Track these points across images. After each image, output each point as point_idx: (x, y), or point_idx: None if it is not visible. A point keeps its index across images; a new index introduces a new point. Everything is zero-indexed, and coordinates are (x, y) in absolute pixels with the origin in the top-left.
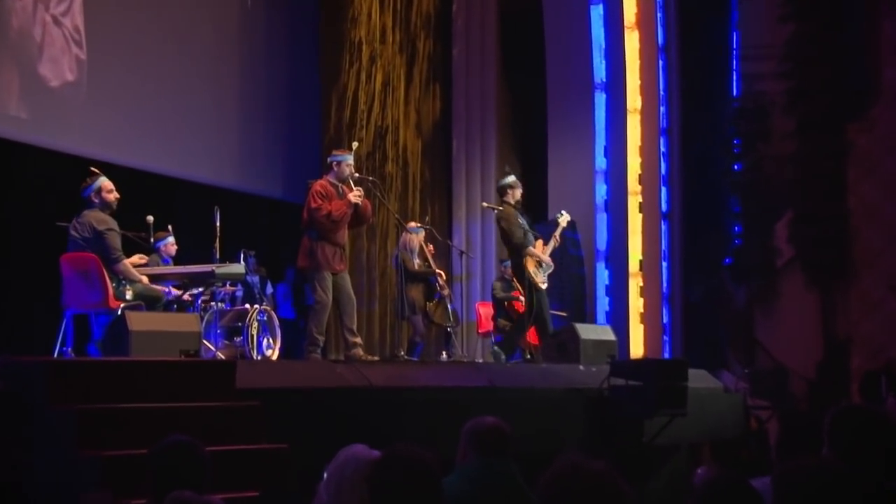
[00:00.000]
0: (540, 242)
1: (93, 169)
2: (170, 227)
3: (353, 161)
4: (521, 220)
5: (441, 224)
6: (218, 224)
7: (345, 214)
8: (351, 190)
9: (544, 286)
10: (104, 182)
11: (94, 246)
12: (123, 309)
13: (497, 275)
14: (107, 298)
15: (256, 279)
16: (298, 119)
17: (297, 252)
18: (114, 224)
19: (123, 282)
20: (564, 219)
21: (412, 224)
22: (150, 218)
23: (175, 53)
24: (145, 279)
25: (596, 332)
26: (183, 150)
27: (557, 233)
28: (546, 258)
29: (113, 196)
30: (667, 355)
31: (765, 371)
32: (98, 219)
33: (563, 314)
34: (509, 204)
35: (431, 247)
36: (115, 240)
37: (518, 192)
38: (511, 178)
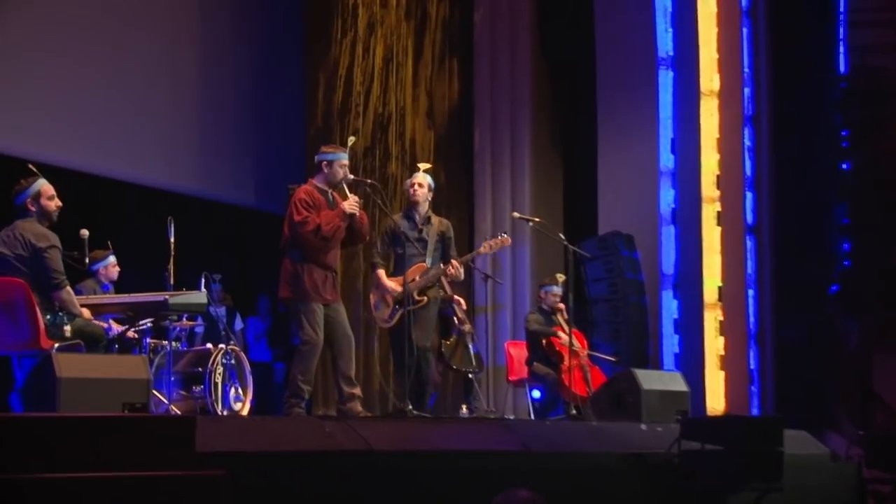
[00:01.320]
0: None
1: (31, 167)
2: (109, 244)
3: (347, 160)
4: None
5: (460, 240)
6: (172, 240)
7: (337, 229)
8: (345, 197)
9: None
10: (44, 186)
11: (30, 267)
12: (55, 350)
13: (533, 305)
14: (37, 336)
15: (222, 311)
16: (275, 106)
17: (275, 277)
18: (56, 240)
19: (60, 314)
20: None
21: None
22: (85, 232)
23: (118, 28)
24: (87, 312)
25: (662, 380)
26: (126, 146)
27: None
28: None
29: (54, 204)
30: (755, 411)
31: (885, 434)
32: (37, 233)
33: (613, 359)
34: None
35: (452, 270)
36: (58, 260)
37: None
38: None
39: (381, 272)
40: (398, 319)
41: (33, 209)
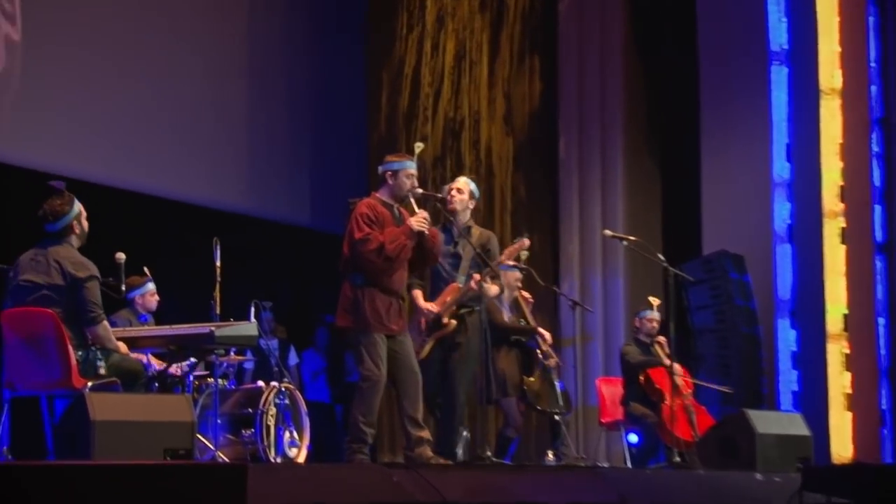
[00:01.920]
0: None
1: (53, 184)
2: (146, 271)
3: (414, 170)
4: None
5: (543, 261)
6: (218, 264)
7: (403, 248)
8: (412, 213)
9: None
10: (80, 206)
11: (65, 298)
12: (89, 389)
13: (628, 336)
14: (69, 373)
15: (275, 344)
16: (333, 112)
17: (334, 305)
18: (96, 270)
19: (94, 349)
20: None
21: (503, 261)
22: (121, 256)
23: (153, 31)
24: (124, 347)
25: (779, 422)
26: (165, 160)
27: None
28: None
29: (87, 225)
30: (888, 458)
31: None
32: (75, 261)
33: (726, 389)
34: None
35: (529, 295)
36: (97, 292)
37: None
38: None
39: (418, 293)
40: (428, 350)
41: (77, 232)
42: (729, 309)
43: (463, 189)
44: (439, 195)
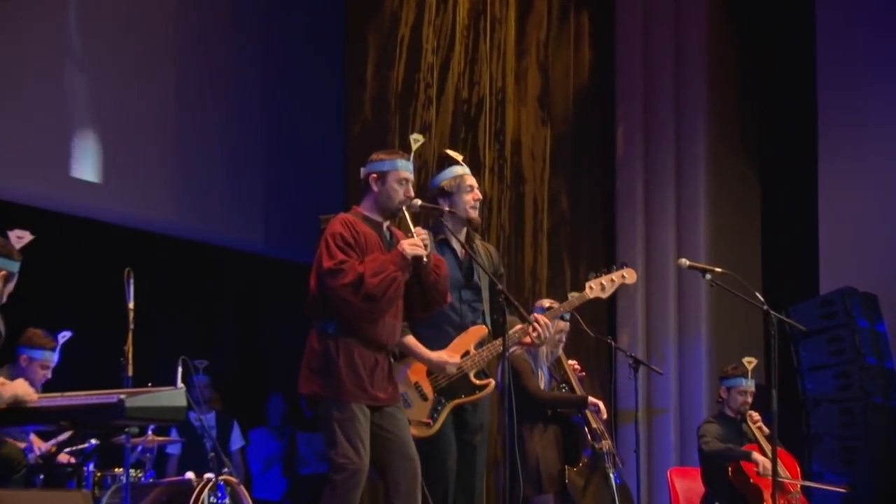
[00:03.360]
0: None
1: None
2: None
3: (410, 173)
4: None
5: (593, 302)
6: (132, 305)
7: (392, 283)
8: (408, 233)
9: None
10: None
11: None
12: None
13: (710, 409)
14: None
15: (211, 419)
16: (296, 93)
17: (295, 364)
18: None
19: None
20: (621, 277)
21: (542, 303)
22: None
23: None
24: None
25: None
26: (60, 163)
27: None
28: None
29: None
30: None
31: None
32: None
33: (846, 489)
34: None
35: (577, 365)
36: None
37: None
38: None
39: (412, 340)
40: (439, 426)
41: None
42: (857, 370)
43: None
44: (447, 208)
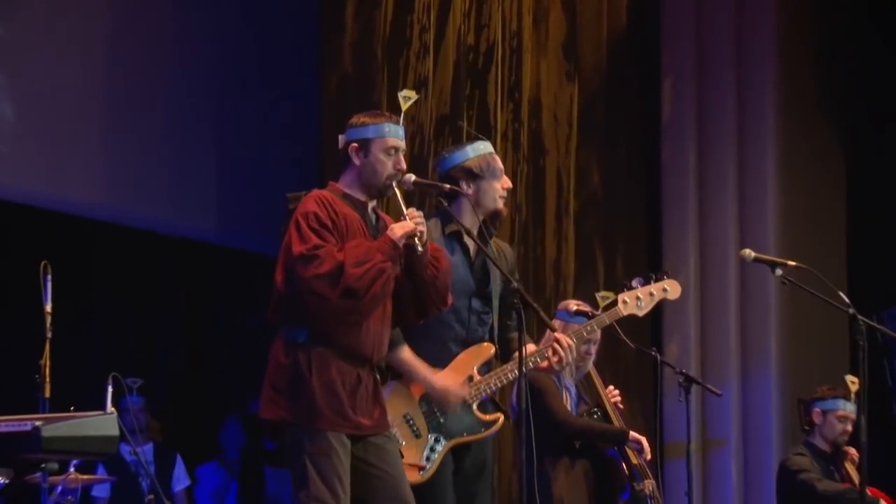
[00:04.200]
0: None
1: None
2: None
3: (402, 139)
4: None
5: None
6: (49, 308)
7: (380, 276)
8: (398, 215)
9: None
10: None
11: None
12: None
13: (793, 438)
14: None
15: (149, 452)
16: (257, 37)
17: (254, 381)
18: None
19: None
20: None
21: (569, 306)
22: None
23: None
24: None
25: None
26: None
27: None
28: None
29: None
30: None
31: None
32: None
33: None
34: None
35: (616, 392)
36: None
37: None
38: None
39: (408, 354)
40: (437, 466)
41: None
42: None
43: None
44: (448, 186)
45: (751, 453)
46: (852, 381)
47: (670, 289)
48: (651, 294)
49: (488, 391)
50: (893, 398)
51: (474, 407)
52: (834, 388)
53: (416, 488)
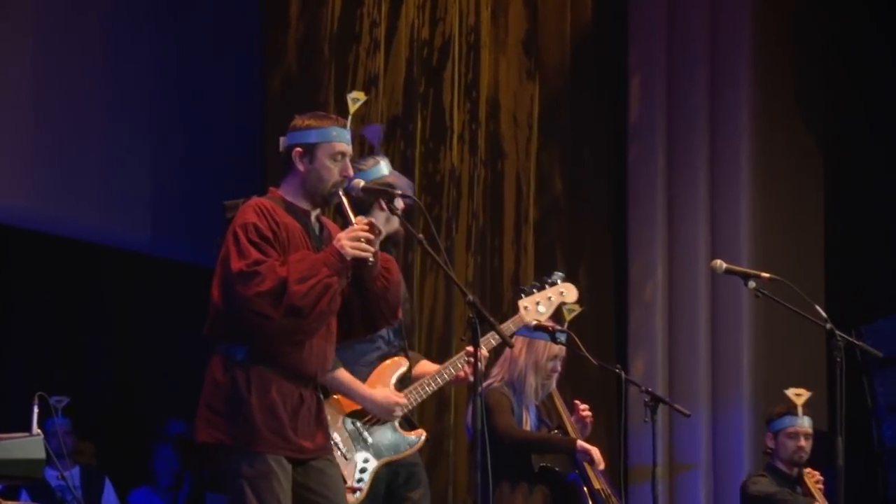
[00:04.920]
0: None
1: None
2: None
3: (348, 143)
4: None
5: (597, 320)
6: None
7: (326, 293)
8: (346, 224)
9: None
10: None
11: None
12: None
13: (757, 462)
14: None
15: (76, 476)
16: (197, 34)
17: (190, 401)
18: None
19: None
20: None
21: (524, 315)
22: None
23: None
24: None
25: None
26: None
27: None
28: None
29: None
30: None
31: None
32: None
33: None
34: None
35: (584, 406)
36: None
37: None
38: None
39: (344, 373)
40: (370, 486)
41: None
42: None
43: None
44: (399, 192)
45: (721, 477)
46: (797, 394)
47: (566, 292)
48: (549, 298)
49: (418, 400)
50: (873, 418)
51: (396, 425)
52: (784, 406)
53: None
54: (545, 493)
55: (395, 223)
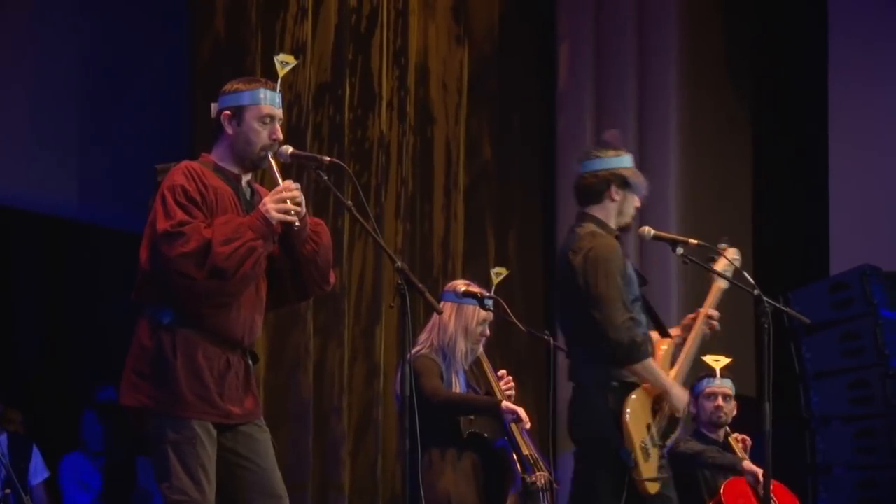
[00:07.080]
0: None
1: None
2: None
3: (278, 107)
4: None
5: (526, 285)
6: None
7: (251, 255)
8: (273, 187)
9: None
10: None
11: None
12: None
13: (688, 429)
14: None
15: (2, 443)
16: (125, 6)
17: (116, 365)
18: None
19: None
20: (729, 258)
21: (457, 287)
22: None
23: None
24: None
25: None
26: None
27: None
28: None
29: None
30: None
31: None
32: None
33: None
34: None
35: (508, 378)
36: None
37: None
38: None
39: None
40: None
41: None
42: (879, 377)
43: None
44: (328, 158)
45: None
46: (715, 360)
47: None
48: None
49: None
50: (801, 385)
51: None
52: (705, 373)
53: None
54: (474, 460)
55: None
